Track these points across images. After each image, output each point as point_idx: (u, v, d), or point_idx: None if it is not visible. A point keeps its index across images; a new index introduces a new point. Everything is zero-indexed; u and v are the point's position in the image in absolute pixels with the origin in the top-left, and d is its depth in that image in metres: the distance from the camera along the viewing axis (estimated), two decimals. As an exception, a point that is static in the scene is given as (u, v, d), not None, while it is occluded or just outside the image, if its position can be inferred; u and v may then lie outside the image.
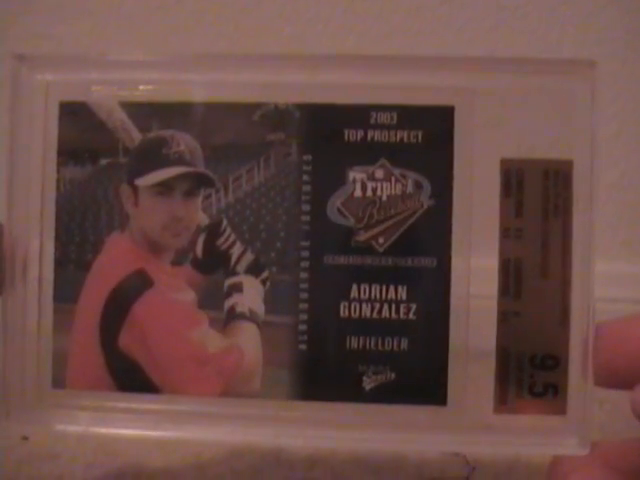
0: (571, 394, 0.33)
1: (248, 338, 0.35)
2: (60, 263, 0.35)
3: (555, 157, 0.34)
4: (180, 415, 0.34)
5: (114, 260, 0.35)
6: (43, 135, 0.35)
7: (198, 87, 0.35)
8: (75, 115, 0.35)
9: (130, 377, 0.35)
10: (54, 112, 0.35)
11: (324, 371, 0.34)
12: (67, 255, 0.35)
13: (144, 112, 0.35)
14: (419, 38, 0.43)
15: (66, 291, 0.35)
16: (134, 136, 0.35)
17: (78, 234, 0.35)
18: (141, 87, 0.35)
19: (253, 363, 0.35)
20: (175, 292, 0.35)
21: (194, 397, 0.35)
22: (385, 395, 0.34)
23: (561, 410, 0.33)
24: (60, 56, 0.35)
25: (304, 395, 0.34)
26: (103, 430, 0.35)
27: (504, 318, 0.34)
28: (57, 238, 0.35)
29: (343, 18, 0.44)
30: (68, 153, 0.35)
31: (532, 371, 0.34)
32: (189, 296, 0.35)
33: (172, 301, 0.35)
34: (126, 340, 0.35)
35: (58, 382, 0.35)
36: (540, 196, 0.34)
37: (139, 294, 0.35)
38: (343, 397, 0.34)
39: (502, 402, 0.34)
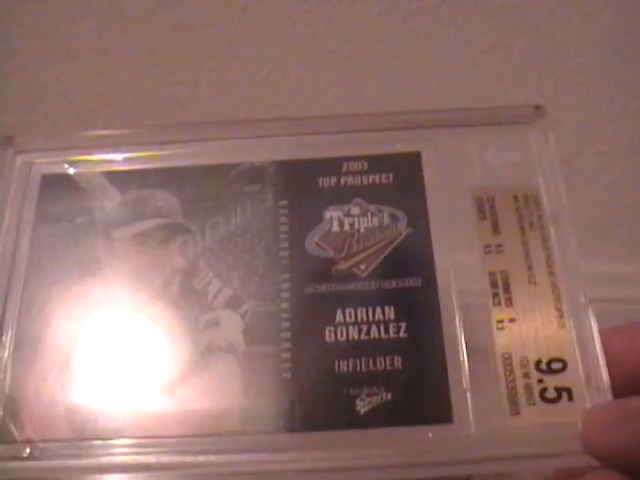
0: (589, 396, 0.30)
1: (226, 370, 0.31)
2: (25, 312, 0.33)
3: (521, 184, 0.35)
4: (150, 460, 0.30)
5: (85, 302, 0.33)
6: (21, 202, 0.36)
7: (175, 155, 0.37)
8: (56, 185, 0.36)
9: (92, 422, 0.31)
10: (36, 183, 0.36)
11: (312, 398, 0.31)
12: (32, 304, 0.33)
13: (124, 178, 0.36)
14: (419, 38, 0.43)
15: (29, 339, 0.32)
16: (113, 197, 0.36)
17: (47, 283, 0.34)
18: (121, 157, 0.37)
19: (232, 396, 0.31)
20: (148, 331, 0.33)
21: (165, 439, 0.30)
22: (382, 418, 0.30)
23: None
24: (44, 135, 0.38)
25: (290, 426, 0.30)
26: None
27: (501, 326, 0.32)
28: (24, 289, 0.34)
29: (343, 18, 0.45)
30: (45, 216, 0.36)
31: (540, 376, 0.31)
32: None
33: (144, 340, 0.32)
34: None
35: (7, 436, 0.30)
36: (514, 216, 0.34)
37: (108, 335, 0.32)
38: (335, 424, 0.30)
39: (514, 412, 0.30)
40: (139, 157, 0.37)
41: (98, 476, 0.29)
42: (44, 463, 0.30)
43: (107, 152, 0.37)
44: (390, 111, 0.37)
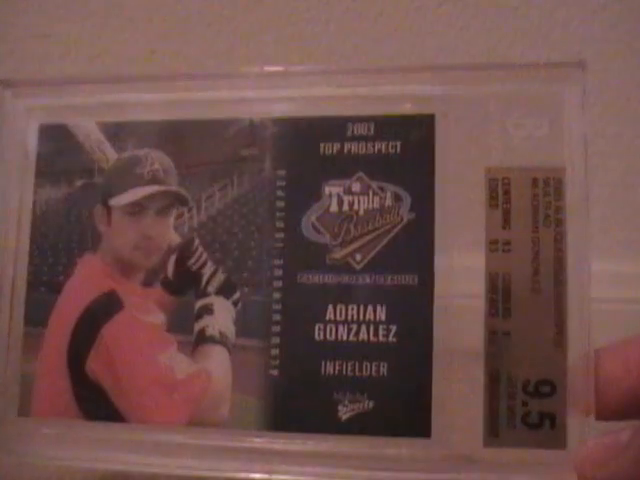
0: (571, 426, 0.29)
1: (218, 362, 0.32)
2: (32, 285, 0.34)
3: (544, 164, 0.31)
4: (145, 445, 0.32)
5: (85, 282, 0.34)
6: (22, 157, 0.35)
7: (172, 106, 0.34)
8: (54, 137, 0.35)
9: (96, 405, 0.33)
10: (34, 134, 0.35)
11: (296, 399, 0.32)
12: (39, 277, 0.34)
13: (120, 132, 0.35)
14: (419, 38, 0.40)
15: (37, 314, 0.34)
16: (109, 156, 0.35)
17: (51, 255, 0.34)
18: (117, 108, 0.35)
19: (222, 389, 0.32)
20: (145, 314, 0.33)
21: (160, 426, 0.32)
22: (362, 426, 0.31)
23: (560, 444, 0.29)
24: (42, 81, 0.36)
25: (274, 425, 0.32)
26: (68, 461, 0.33)
27: (493, 338, 0.30)
28: (30, 260, 0.34)
29: (343, 18, 0.43)
30: (45, 175, 0.35)
31: (525, 398, 0.30)
32: (158, 319, 0.33)
33: (141, 324, 0.33)
34: (94, 365, 0.33)
35: (24, 410, 0.33)
36: (529, 206, 0.31)
37: (109, 316, 0.33)
38: (317, 428, 0.31)
39: (492, 434, 0.30)
40: (136, 108, 0.35)
41: (98, 456, 0.32)
42: (51, 440, 0.33)
43: (104, 101, 0.35)
44: (404, 65, 0.32)
